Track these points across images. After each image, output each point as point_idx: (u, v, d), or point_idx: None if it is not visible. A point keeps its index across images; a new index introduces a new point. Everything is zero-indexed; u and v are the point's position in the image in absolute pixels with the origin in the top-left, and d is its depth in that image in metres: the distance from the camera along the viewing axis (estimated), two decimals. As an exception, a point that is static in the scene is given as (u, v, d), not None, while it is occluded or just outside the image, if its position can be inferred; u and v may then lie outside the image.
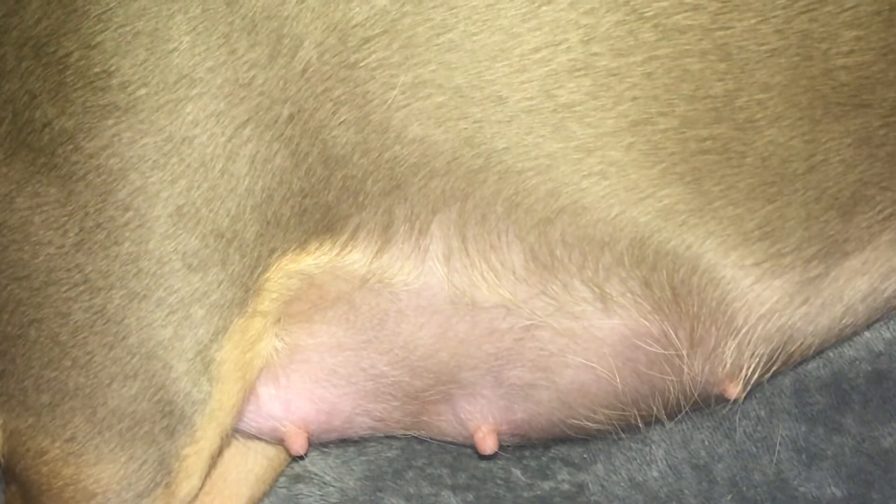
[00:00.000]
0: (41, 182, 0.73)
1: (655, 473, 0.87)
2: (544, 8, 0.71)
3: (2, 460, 0.77)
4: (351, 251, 0.75)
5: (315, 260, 0.75)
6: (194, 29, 0.72)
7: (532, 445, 0.87)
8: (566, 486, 0.88)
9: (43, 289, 0.73)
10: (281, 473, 0.88)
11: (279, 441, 0.81)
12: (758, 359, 0.77)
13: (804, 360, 0.83)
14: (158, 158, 0.72)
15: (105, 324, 0.73)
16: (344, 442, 0.86)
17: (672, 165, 0.73)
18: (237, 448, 0.84)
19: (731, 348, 0.77)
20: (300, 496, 0.88)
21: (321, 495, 0.88)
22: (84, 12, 0.72)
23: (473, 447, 0.82)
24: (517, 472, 0.88)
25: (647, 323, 0.76)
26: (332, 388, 0.79)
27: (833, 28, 0.72)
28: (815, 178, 0.74)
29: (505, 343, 0.77)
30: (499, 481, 0.88)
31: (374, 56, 0.71)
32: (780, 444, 0.87)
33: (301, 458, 0.87)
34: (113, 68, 0.72)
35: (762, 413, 0.88)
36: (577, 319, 0.76)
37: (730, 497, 0.87)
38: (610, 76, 0.72)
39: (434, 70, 0.72)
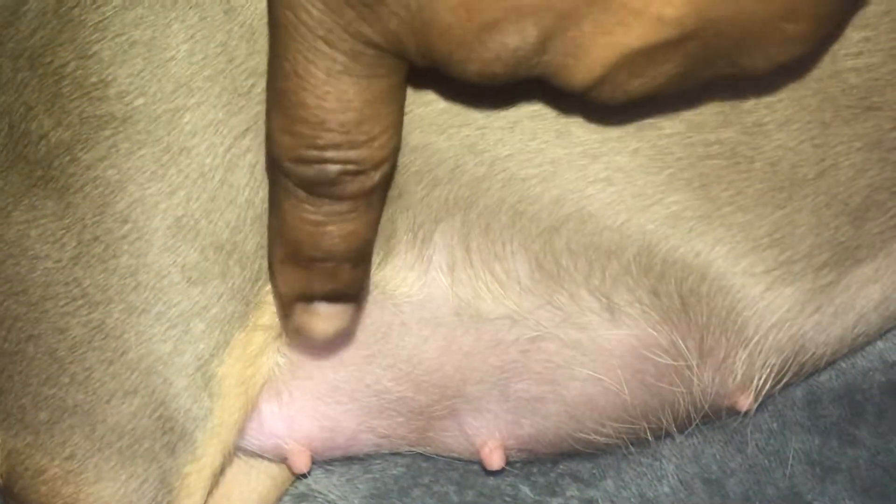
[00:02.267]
0: (38, 195, 0.72)
1: (666, 489, 0.86)
2: None
3: (0, 480, 0.76)
4: (353, 263, 0.74)
5: (317, 272, 0.74)
6: (192, 37, 0.71)
7: (540, 461, 0.86)
8: (575, 503, 0.87)
9: (40, 304, 0.73)
10: (285, 492, 0.87)
11: (282, 459, 0.81)
12: (769, 369, 0.77)
13: (816, 371, 0.82)
14: (156, 169, 0.71)
15: (104, 339, 0.72)
16: (348, 459, 0.85)
17: (679, 171, 0.72)
18: (240, 467, 0.84)
19: (742, 359, 0.76)
20: (304, 515, 0.87)
21: (326, 514, 0.87)
22: (80, 22, 0.72)
23: (480, 463, 0.81)
24: (525, 489, 0.87)
25: (655, 333, 0.75)
26: (336, 404, 0.78)
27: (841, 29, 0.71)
28: (825, 183, 0.73)
29: (511, 355, 0.76)
30: (507, 498, 0.87)
31: None
32: (793, 457, 0.86)
33: (305, 476, 0.86)
34: (110, 78, 0.71)
35: (774, 426, 0.87)
36: (584, 330, 0.75)
37: (742, 512, 0.86)
38: None
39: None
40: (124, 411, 0.72)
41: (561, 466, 0.87)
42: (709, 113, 0.71)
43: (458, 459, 0.83)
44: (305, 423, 0.79)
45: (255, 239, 0.73)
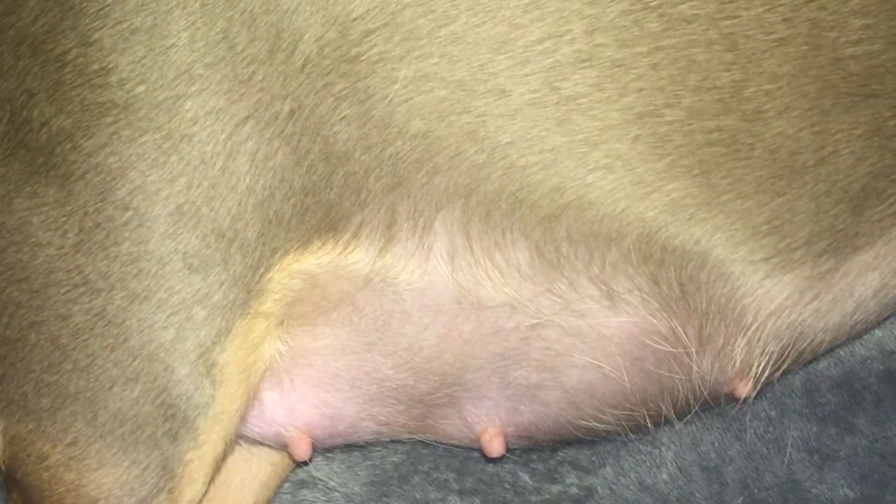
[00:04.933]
0: (39, 182, 0.72)
1: (665, 476, 0.87)
2: None
3: (2, 466, 0.76)
4: (354, 250, 0.74)
5: (318, 259, 0.74)
6: (193, 24, 0.71)
7: (539, 448, 0.86)
8: (574, 490, 0.87)
9: (42, 291, 0.73)
10: (285, 479, 0.87)
11: (283, 447, 0.81)
12: (768, 356, 0.77)
13: (815, 358, 0.82)
14: (158, 156, 0.71)
15: (105, 326, 0.72)
16: (349, 447, 0.85)
17: (679, 158, 0.72)
18: (241, 454, 0.84)
19: (741, 346, 0.76)
20: (305, 502, 0.87)
21: (326, 501, 0.87)
22: (81, 9, 0.72)
23: (480, 450, 0.81)
24: (525, 476, 0.87)
25: (655, 320, 0.75)
26: (336, 392, 0.78)
27: (841, 17, 0.71)
28: (824, 170, 0.73)
29: (511, 343, 0.76)
30: (506, 485, 0.87)
31: (374, 50, 0.71)
32: (791, 444, 0.86)
33: (305, 463, 0.86)
34: (111, 65, 0.71)
35: (773, 414, 0.87)
36: (584, 318, 0.75)
37: (741, 499, 0.86)
38: (615, 67, 0.71)
39: (436, 63, 0.71)
40: (126, 398, 0.73)
41: (560, 454, 0.87)
42: (709, 100, 0.72)
43: (458, 447, 0.83)
44: (306, 410, 0.79)
45: (256, 226, 0.73)
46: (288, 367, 0.77)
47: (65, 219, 0.72)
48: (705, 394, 0.78)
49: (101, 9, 0.72)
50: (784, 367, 0.78)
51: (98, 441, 0.73)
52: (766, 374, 0.77)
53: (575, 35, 0.71)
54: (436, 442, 0.82)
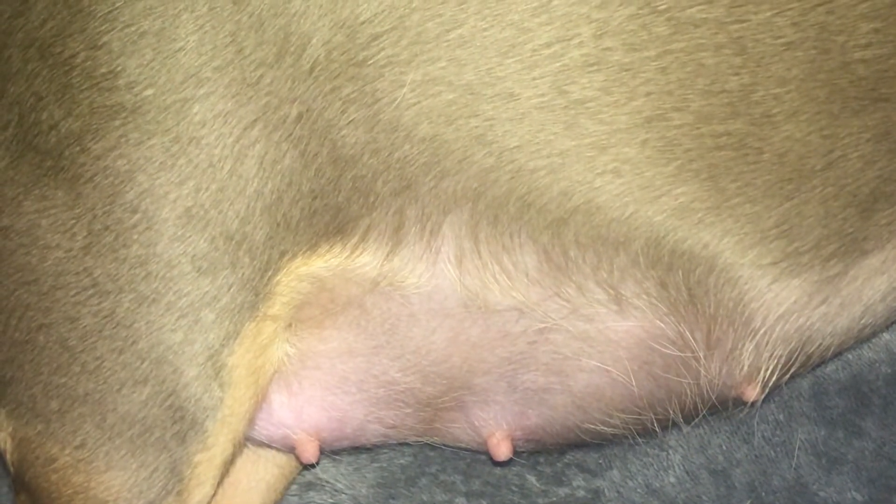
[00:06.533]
0: (48, 185, 0.72)
1: (672, 479, 0.87)
2: (556, 2, 0.70)
3: (11, 469, 0.77)
4: (361, 253, 0.74)
5: (325, 263, 0.74)
6: (201, 28, 0.71)
7: (547, 451, 0.86)
8: (582, 493, 0.87)
9: (51, 293, 0.73)
10: (292, 481, 0.87)
11: (290, 449, 0.81)
12: (776, 360, 0.77)
13: (823, 362, 0.82)
14: (166, 159, 0.72)
15: (114, 328, 0.72)
16: (356, 449, 0.85)
17: (687, 162, 0.72)
18: (248, 456, 0.84)
19: (749, 350, 0.76)
20: (312, 504, 0.87)
21: (333, 503, 0.87)
22: (90, 12, 0.72)
23: (487, 454, 0.81)
24: (532, 479, 0.87)
25: (662, 325, 0.75)
26: (344, 395, 0.78)
27: (850, 20, 0.71)
28: (833, 174, 0.73)
29: (518, 347, 0.76)
30: (513, 488, 0.87)
31: (382, 53, 0.71)
32: (799, 448, 0.86)
33: (313, 465, 0.86)
34: (119, 69, 0.71)
35: (781, 417, 0.87)
36: (592, 322, 0.75)
37: (749, 503, 0.86)
38: (623, 71, 0.71)
39: (444, 67, 0.71)
40: (135, 400, 0.73)
41: (567, 457, 0.87)
42: (717, 104, 0.71)
43: (466, 450, 0.83)
44: (314, 413, 0.79)
45: (264, 229, 0.73)
46: (296, 369, 0.78)
47: (73, 221, 0.72)
48: (713, 397, 0.78)
49: (109, 12, 0.72)
50: (792, 370, 0.78)
51: (106, 443, 0.73)
52: (774, 378, 0.77)
53: (583, 39, 0.71)
54: (443, 445, 0.82)
